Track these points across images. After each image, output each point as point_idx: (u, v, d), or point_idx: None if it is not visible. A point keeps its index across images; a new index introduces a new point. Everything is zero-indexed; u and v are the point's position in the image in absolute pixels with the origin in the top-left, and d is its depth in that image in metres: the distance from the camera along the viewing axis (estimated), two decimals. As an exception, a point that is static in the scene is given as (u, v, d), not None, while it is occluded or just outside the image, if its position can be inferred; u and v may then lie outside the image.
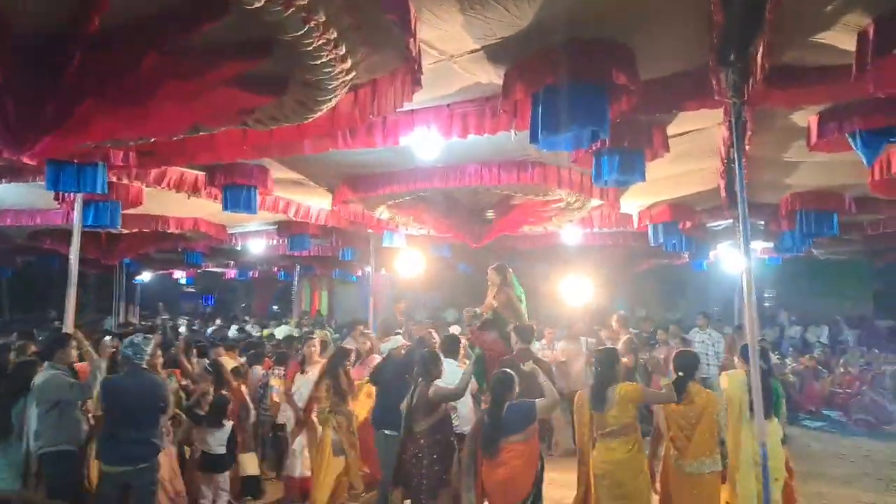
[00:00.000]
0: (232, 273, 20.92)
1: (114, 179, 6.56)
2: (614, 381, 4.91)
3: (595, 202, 8.23)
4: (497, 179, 6.84)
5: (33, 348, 6.84)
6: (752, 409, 4.57)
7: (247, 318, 20.30)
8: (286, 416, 7.07)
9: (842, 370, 12.33)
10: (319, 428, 6.36)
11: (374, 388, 6.49)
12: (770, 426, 5.11)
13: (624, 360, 6.30)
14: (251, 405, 7.09)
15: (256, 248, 13.79)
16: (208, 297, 29.44)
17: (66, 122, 2.89)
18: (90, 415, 5.41)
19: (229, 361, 7.53)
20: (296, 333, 11.18)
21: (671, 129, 5.75)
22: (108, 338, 6.19)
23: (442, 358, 5.45)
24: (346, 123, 4.41)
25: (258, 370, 8.02)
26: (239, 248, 13.98)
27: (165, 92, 3.00)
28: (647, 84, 4.37)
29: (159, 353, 6.44)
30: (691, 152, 6.67)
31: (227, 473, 6.26)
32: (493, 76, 4.42)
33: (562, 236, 11.70)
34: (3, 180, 6.52)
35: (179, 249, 13.44)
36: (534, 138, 4.23)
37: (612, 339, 8.79)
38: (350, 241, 13.27)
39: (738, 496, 4.96)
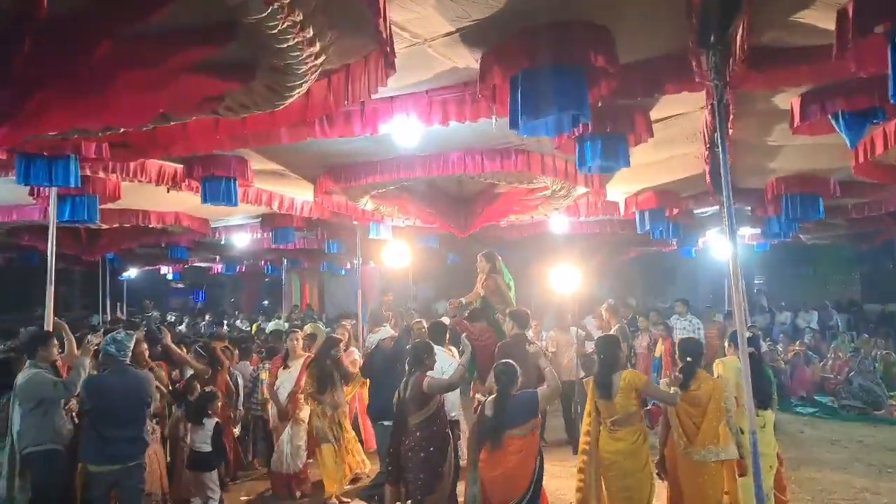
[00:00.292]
0: (219, 268, 20.76)
1: (89, 173, 6.46)
2: (618, 367, 4.90)
3: (581, 190, 8.17)
4: (480, 167, 6.76)
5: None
6: (754, 396, 4.46)
7: (236, 313, 20.22)
8: (273, 412, 7.00)
9: (832, 356, 12.36)
10: (304, 420, 6.31)
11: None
12: (766, 413, 5.10)
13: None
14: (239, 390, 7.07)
15: (241, 241, 13.68)
16: (198, 292, 29.27)
17: (22, 110, 2.78)
18: (73, 413, 5.31)
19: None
20: (284, 328, 11.08)
21: (655, 114, 5.69)
22: (90, 335, 6.09)
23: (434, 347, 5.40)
24: (320, 110, 4.31)
25: (247, 365, 7.95)
26: (223, 242, 13.85)
27: (124, 80, 2.89)
28: (627, 67, 4.29)
29: (145, 346, 6.36)
30: (675, 137, 6.63)
31: (214, 473, 6.16)
32: (469, 60, 4.34)
33: (549, 225, 11.66)
34: (-26, 175, 6.35)
35: (163, 244, 13.30)
36: (514, 124, 4.16)
37: (602, 329, 8.75)
38: (336, 234, 13.17)
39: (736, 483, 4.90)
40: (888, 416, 10.01)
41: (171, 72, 3.06)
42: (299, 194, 9.26)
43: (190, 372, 6.89)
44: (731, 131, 5.48)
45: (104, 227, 9.84)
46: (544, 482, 4.81)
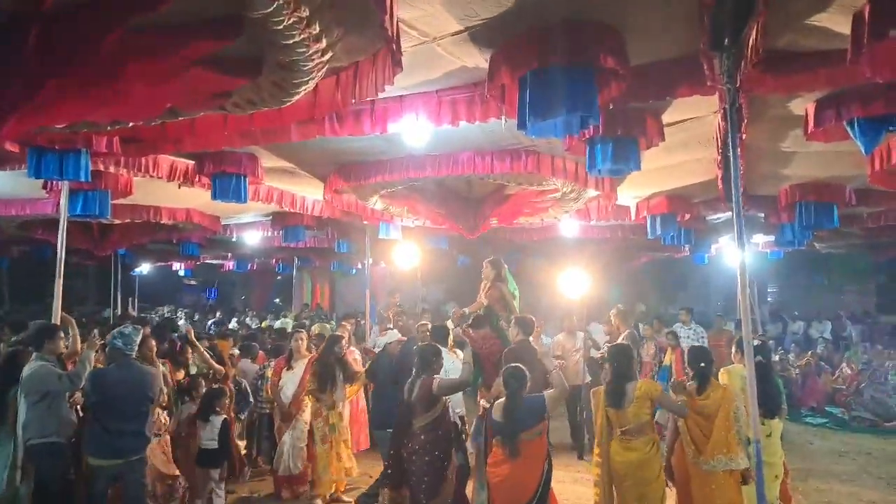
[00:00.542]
0: (230, 265, 20.86)
1: (102, 168, 6.49)
2: (632, 377, 4.85)
3: (591, 193, 8.12)
4: (490, 168, 6.73)
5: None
6: (759, 406, 4.40)
7: (246, 310, 20.32)
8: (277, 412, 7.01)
9: (844, 367, 12.21)
10: (307, 422, 6.30)
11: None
12: (773, 423, 5.03)
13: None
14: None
15: (252, 239, 13.73)
16: (210, 289, 29.39)
17: (31, 101, 2.79)
18: (78, 406, 5.33)
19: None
20: (290, 327, 11.11)
21: (667, 118, 5.64)
22: (95, 330, 6.14)
23: (440, 349, 5.37)
24: (328, 108, 4.31)
25: (248, 363, 7.97)
26: (234, 239, 13.91)
27: (132, 72, 2.89)
28: (638, 69, 4.26)
29: (154, 342, 6.38)
30: (688, 142, 6.57)
31: (219, 469, 6.16)
32: (479, 60, 4.31)
33: (559, 228, 11.60)
34: (-12, 168, 6.41)
35: (175, 241, 13.36)
36: (521, 124, 4.12)
37: (610, 334, 8.68)
38: (346, 233, 13.18)
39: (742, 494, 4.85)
40: (899, 428, 9.87)
41: (178, 65, 3.06)
42: (310, 193, 9.27)
43: (194, 369, 6.93)
44: (743, 136, 5.42)
45: (116, 222, 9.89)
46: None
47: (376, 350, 7.53)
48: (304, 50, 3.18)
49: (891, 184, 6.81)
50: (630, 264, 18.17)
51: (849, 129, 4.82)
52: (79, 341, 5.58)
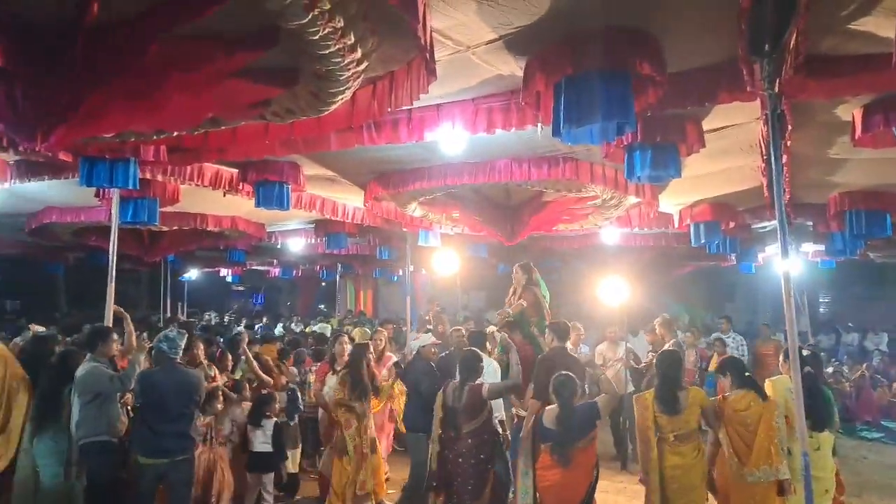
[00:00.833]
0: (276, 272, 21.24)
1: (150, 177, 6.71)
2: (681, 384, 4.90)
3: (632, 200, 8.02)
4: (527, 175, 6.71)
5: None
6: (807, 418, 4.30)
7: (292, 316, 20.64)
8: (322, 416, 7.01)
9: (902, 380, 11.80)
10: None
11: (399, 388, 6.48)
12: (822, 436, 4.90)
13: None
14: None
15: (295, 246, 13.96)
16: (257, 295, 29.96)
17: (77, 111, 2.91)
18: (128, 407, 5.51)
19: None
20: (327, 331, 11.23)
21: (708, 124, 5.54)
22: (145, 334, 6.34)
23: (482, 356, 5.41)
24: (365, 117, 4.37)
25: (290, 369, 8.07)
26: (279, 246, 14.17)
27: (173, 82, 3.00)
28: (676, 75, 4.21)
29: (202, 346, 6.54)
30: (731, 149, 6.44)
31: (272, 474, 6.27)
32: (514, 68, 4.32)
33: (600, 236, 11.49)
34: (45, 177, 6.69)
35: (221, 247, 13.68)
36: (556, 131, 4.11)
37: (654, 344, 8.54)
38: (387, 241, 13.31)
39: None
40: (959, 444, 9.48)
41: (216, 75, 3.16)
42: (350, 200, 9.41)
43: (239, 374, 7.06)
44: (788, 143, 5.29)
45: (164, 229, 10.19)
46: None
47: (411, 355, 7.55)
48: (340, 60, 3.24)
49: (946, 191, 6.56)
50: (675, 273, 17.85)
51: (898, 134, 4.67)
52: (134, 337, 5.74)
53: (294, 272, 21.52)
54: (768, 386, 5.19)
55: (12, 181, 6.72)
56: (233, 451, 6.17)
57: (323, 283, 24.33)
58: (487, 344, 6.90)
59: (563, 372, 4.76)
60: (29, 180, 6.72)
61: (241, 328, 8.79)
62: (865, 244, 10.50)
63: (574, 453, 4.44)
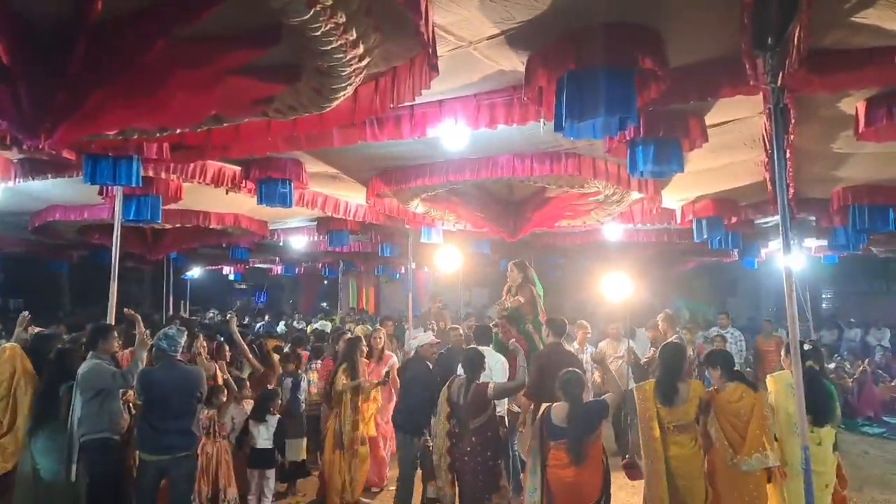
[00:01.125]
0: (278, 269, 21.26)
1: (152, 174, 6.72)
2: (683, 376, 4.94)
3: (635, 195, 8.01)
4: (530, 171, 6.72)
5: (84, 341, 7.01)
6: (808, 413, 4.33)
7: (294, 314, 20.67)
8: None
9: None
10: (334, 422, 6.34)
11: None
12: (823, 431, 4.92)
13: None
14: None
15: (298, 244, 13.97)
16: (259, 293, 29.97)
17: (79, 109, 2.92)
18: (130, 403, 5.52)
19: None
20: (329, 329, 11.24)
21: (711, 119, 5.54)
22: (147, 331, 6.35)
23: (483, 353, 5.42)
24: (367, 113, 4.37)
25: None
26: (281, 243, 14.17)
27: (176, 80, 3.01)
28: (679, 70, 4.21)
29: (204, 343, 6.55)
30: (733, 143, 6.44)
31: (273, 469, 6.28)
32: (516, 63, 4.32)
33: (603, 232, 11.48)
34: (49, 175, 6.70)
35: (224, 245, 13.69)
36: (559, 126, 4.12)
37: (655, 340, 8.53)
38: (389, 238, 13.31)
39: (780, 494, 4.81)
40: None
41: (219, 73, 3.16)
42: (353, 197, 9.41)
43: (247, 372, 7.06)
44: (791, 138, 5.28)
45: (167, 226, 10.20)
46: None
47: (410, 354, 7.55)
48: (342, 56, 3.24)
49: (950, 185, 6.55)
50: (677, 269, 17.84)
51: (901, 127, 4.66)
52: (144, 334, 5.72)
53: (296, 270, 21.54)
54: (770, 381, 5.22)
55: (16, 179, 6.73)
56: (232, 447, 6.18)
57: (325, 281, 24.34)
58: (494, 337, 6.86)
59: (570, 369, 4.78)
60: (33, 178, 6.73)
61: (231, 314, 8.78)
62: (868, 239, 10.48)
63: (585, 449, 4.47)
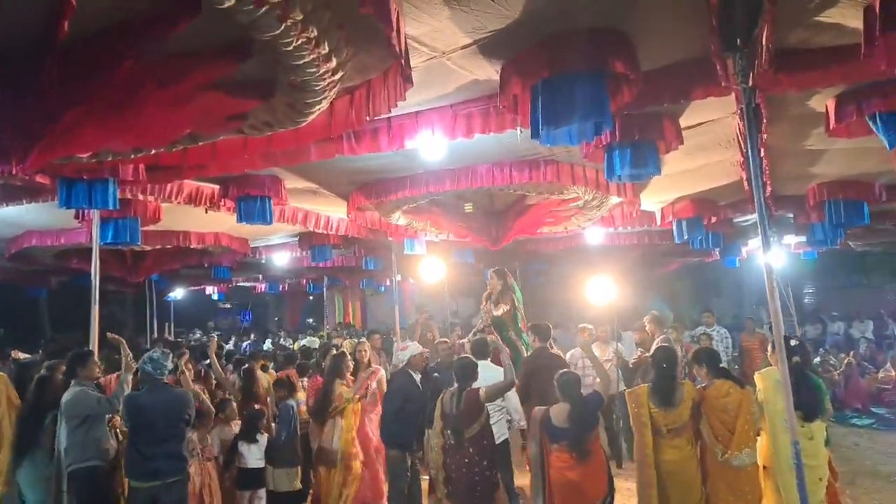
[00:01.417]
0: (262, 287, 21.12)
1: (130, 196, 6.65)
2: (677, 378, 4.99)
3: (614, 200, 8.07)
4: (509, 179, 6.74)
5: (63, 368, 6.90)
6: (798, 409, 4.38)
7: (280, 331, 20.52)
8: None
9: (889, 366, 11.91)
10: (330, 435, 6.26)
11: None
12: (814, 425, 4.96)
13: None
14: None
15: (280, 260, 13.90)
16: (245, 312, 29.73)
17: (51, 131, 2.89)
18: (117, 430, 5.44)
19: (264, 377, 7.42)
20: (315, 345, 11.16)
21: (685, 121, 5.60)
22: (130, 355, 6.26)
23: (477, 362, 5.40)
24: (343, 126, 4.37)
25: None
26: (264, 261, 14.09)
27: (148, 98, 2.98)
28: (651, 73, 4.25)
29: (190, 367, 6.45)
30: (709, 144, 6.51)
31: (264, 489, 6.16)
32: (490, 72, 4.34)
33: (585, 237, 11.53)
34: (23, 201, 6.62)
35: (206, 265, 13.57)
36: (535, 134, 4.14)
37: (643, 342, 8.56)
38: (372, 251, 13.28)
39: (783, 500, 4.80)
40: (949, 427, 9.59)
41: (191, 89, 3.14)
42: (334, 212, 9.37)
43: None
44: (765, 137, 5.35)
45: (147, 248, 10.10)
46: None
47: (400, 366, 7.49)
48: (315, 70, 3.24)
49: (921, 177, 6.66)
50: (660, 270, 17.96)
51: (871, 123, 4.74)
52: (129, 357, 5.64)
53: (280, 287, 21.40)
54: (758, 378, 5.23)
55: (-10, 206, 6.65)
56: (218, 469, 6.08)
57: (310, 297, 24.22)
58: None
59: (565, 370, 4.87)
60: (7, 204, 6.65)
61: (212, 336, 8.68)
62: (845, 233, 10.62)
63: (589, 445, 4.52)
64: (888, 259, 18.20)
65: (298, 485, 6.40)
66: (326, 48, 3.12)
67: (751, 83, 3.93)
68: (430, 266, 10.22)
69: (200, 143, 4.33)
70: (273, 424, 6.47)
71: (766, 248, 4.46)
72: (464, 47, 3.94)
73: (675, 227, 9.61)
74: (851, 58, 3.71)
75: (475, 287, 18.52)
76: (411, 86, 3.70)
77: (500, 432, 5.55)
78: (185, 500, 5.14)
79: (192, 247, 10.13)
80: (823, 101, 5.04)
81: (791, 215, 9.65)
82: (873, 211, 8.24)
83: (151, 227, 8.43)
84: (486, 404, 4.99)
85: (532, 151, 6.43)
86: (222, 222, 9.12)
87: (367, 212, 8.59)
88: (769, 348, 5.54)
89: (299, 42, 2.94)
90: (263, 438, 6.15)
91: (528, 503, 5.52)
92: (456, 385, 5.10)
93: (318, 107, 3.71)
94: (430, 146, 5.69)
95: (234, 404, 6.52)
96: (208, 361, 7.38)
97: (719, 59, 3.82)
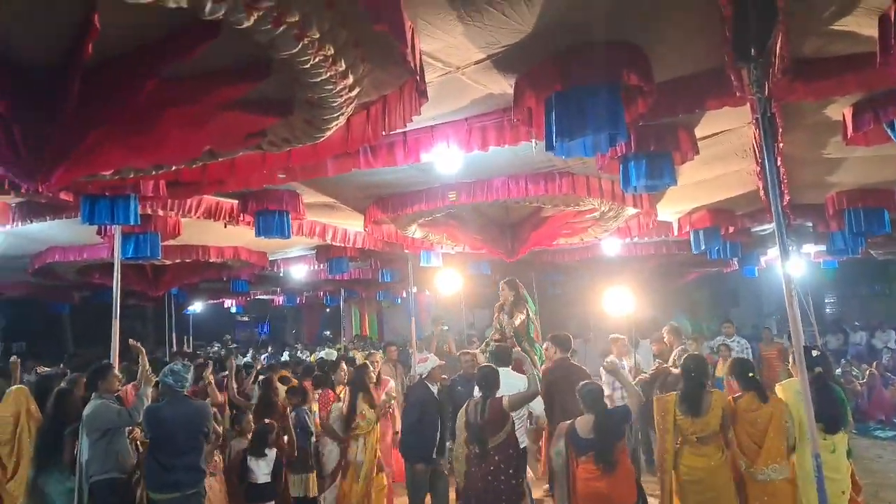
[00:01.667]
0: (280, 300, 21.25)
1: (150, 212, 6.76)
2: (706, 385, 4.95)
3: (630, 210, 8.05)
4: (524, 192, 6.76)
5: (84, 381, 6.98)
6: (820, 420, 4.33)
7: (297, 344, 20.62)
8: (328, 449, 6.60)
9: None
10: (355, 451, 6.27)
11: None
12: (836, 437, 4.90)
13: (676, 371, 6.21)
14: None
15: (298, 273, 13.99)
16: (263, 325, 29.89)
17: (75, 151, 2.96)
18: (137, 442, 5.50)
19: (282, 389, 7.42)
20: (333, 357, 11.18)
21: (701, 131, 5.60)
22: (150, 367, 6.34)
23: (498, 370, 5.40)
24: (360, 141, 4.42)
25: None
26: (282, 274, 14.19)
27: (169, 118, 3.05)
28: (665, 84, 4.26)
29: (211, 379, 6.51)
30: (725, 154, 6.49)
31: (273, 503, 6.20)
32: (504, 86, 4.38)
33: (602, 248, 11.50)
34: (47, 217, 6.75)
35: (225, 278, 13.70)
36: (549, 146, 4.16)
37: (661, 353, 8.51)
38: (389, 263, 13.34)
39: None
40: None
41: (212, 108, 3.21)
42: (351, 225, 9.45)
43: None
44: (781, 145, 5.33)
45: (167, 262, 10.23)
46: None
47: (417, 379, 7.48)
48: (332, 87, 3.29)
49: (942, 185, 6.59)
50: (678, 281, 17.83)
51: (889, 131, 4.70)
52: (147, 369, 5.69)
53: (298, 299, 21.51)
54: (779, 389, 5.17)
55: (15, 223, 6.78)
56: (230, 481, 6.09)
57: (327, 309, 24.30)
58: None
59: (587, 381, 4.87)
60: (31, 221, 6.78)
61: (232, 351, 8.78)
62: (866, 242, 10.50)
63: (616, 456, 4.49)
64: (911, 267, 17.96)
65: (315, 491, 6.41)
66: (343, 65, 3.17)
67: (766, 93, 3.93)
68: (446, 278, 10.26)
69: (220, 160, 4.41)
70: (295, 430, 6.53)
71: (784, 258, 4.44)
72: (478, 62, 3.98)
73: (692, 238, 9.57)
74: (867, 66, 3.70)
75: (491, 298, 18.40)
76: (426, 100, 3.75)
77: (520, 439, 5.54)
78: None
79: (211, 261, 10.25)
80: (840, 110, 5.02)
81: (810, 224, 9.56)
82: (894, 219, 8.14)
83: (171, 242, 8.55)
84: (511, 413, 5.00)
85: (547, 164, 6.45)
86: (241, 236, 9.22)
87: (384, 225, 8.64)
88: (790, 359, 5.50)
89: (316, 60, 2.99)
90: (272, 453, 6.12)
91: None
92: (479, 394, 5.10)
93: (335, 123, 3.76)
94: (446, 160, 5.73)
95: (250, 416, 6.57)
96: (226, 373, 7.43)
97: (734, 69, 3.83)
